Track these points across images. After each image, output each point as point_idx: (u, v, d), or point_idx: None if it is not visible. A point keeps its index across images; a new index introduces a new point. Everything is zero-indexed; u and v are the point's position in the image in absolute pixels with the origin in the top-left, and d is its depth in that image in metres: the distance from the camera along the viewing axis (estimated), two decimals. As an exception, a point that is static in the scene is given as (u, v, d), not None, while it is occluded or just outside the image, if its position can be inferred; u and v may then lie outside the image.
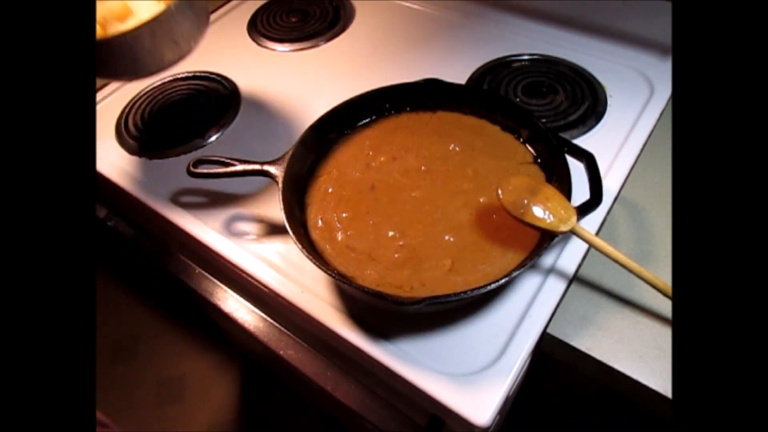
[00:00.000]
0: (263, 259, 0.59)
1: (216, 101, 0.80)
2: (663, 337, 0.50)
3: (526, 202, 0.51)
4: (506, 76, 0.77)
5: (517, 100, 0.73)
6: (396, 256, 0.53)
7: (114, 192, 0.73)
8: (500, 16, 0.89)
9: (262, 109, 0.79)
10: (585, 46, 0.81)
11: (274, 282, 0.57)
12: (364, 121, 0.66)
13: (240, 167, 0.59)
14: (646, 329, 0.50)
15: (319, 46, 0.89)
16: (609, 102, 0.72)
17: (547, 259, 0.56)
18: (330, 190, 0.60)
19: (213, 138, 0.75)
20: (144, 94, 0.83)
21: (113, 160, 0.74)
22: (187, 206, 0.66)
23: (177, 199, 0.67)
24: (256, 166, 0.58)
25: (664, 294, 0.48)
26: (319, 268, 0.49)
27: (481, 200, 0.57)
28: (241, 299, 0.75)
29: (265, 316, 0.73)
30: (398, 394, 0.54)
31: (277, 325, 0.72)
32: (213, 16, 0.99)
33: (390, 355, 0.50)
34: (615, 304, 0.52)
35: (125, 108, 0.82)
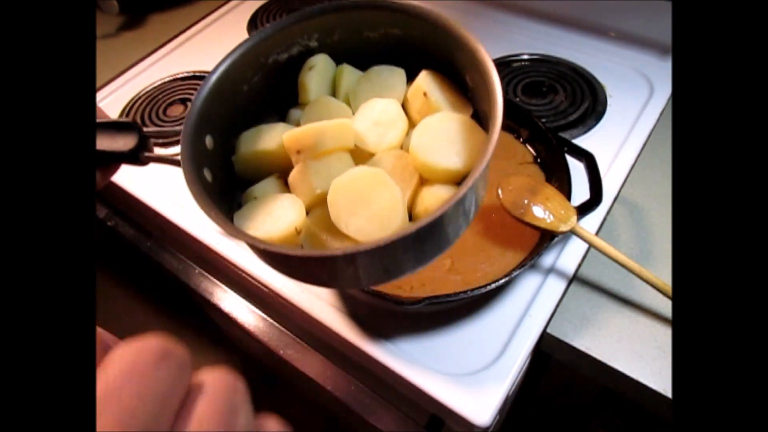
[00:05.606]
0: (263, 259, 0.59)
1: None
2: (663, 337, 0.50)
3: (526, 201, 0.51)
4: (506, 76, 0.77)
5: (517, 99, 0.73)
6: (396, 256, 0.53)
7: (114, 192, 0.73)
8: (500, 16, 0.89)
9: (262, 109, 0.79)
10: (585, 46, 0.81)
11: (273, 282, 0.57)
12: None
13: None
14: (646, 329, 0.50)
15: (319, 46, 0.89)
16: (609, 102, 0.72)
17: (547, 259, 0.56)
18: (330, 190, 0.60)
19: (213, 138, 0.75)
20: (144, 94, 0.83)
21: (113, 160, 0.74)
22: (187, 206, 0.66)
23: (177, 199, 0.67)
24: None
25: (664, 294, 0.48)
26: (319, 268, 0.49)
27: (481, 200, 0.57)
28: (241, 299, 0.75)
29: (265, 316, 0.73)
30: (398, 394, 0.54)
31: (277, 325, 0.72)
32: (213, 16, 0.99)
33: (390, 355, 0.50)
34: (615, 304, 0.52)
35: (125, 108, 0.82)
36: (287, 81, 0.42)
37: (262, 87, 0.42)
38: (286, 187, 0.39)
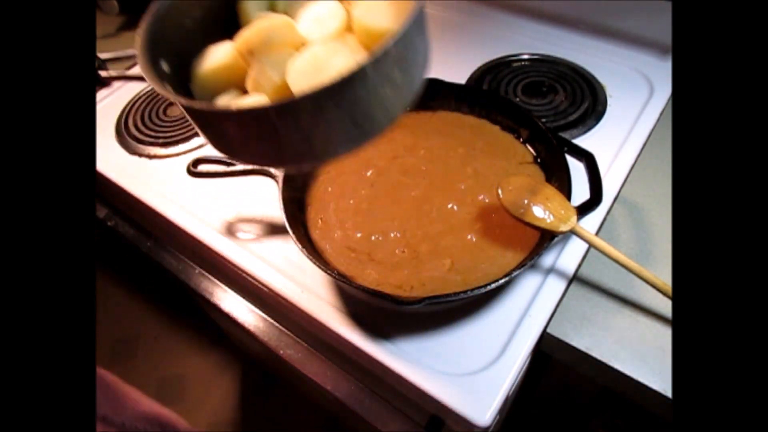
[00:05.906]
0: (263, 259, 0.59)
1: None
2: (663, 337, 0.50)
3: (526, 201, 0.51)
4: (506, 76, 0.77)
5: (517, 99, 0.73)
6: (396, 255, 0.53)
7: (114, 192, 0.73)
8: (500, 16, 0.89)
9: (262, 109, 0.79)
10: (585, 46, 0.81)
11: (274, 282, 0.57)
12: (364, 121, 0.66)
13: (240, 167, 0.58)
14: (646, 329, 0.50)
15: (319, 46, 0.89)
16: (609, 102, 0.72)
17: (547, 259, 0.56)
18: (329, 189, 0.60)
19: (213, 138, 0.75)
20: (144, 94, 0.83)
21: (113, 160, 0.74)
22: (187, 206, 0.66)
23: (177, 199, 0.67)
24: (256, 166, 0.57)
25: (664, 294, 0.48)
26: (319, 268, 0.49)
27: (481, 200, 0.57)
28: (241, 299, 0.75)
29: (265, 316, 0.73)
30: (398, 394, 0.54)
31: (277, 325, 0.72)
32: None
33: (390, 355, 0.50)
34: (615, 304, 0.52)
35: (125, 108, 0.82)
36: (230, 17, 0.44)
37: (205, 21, 0.43)
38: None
